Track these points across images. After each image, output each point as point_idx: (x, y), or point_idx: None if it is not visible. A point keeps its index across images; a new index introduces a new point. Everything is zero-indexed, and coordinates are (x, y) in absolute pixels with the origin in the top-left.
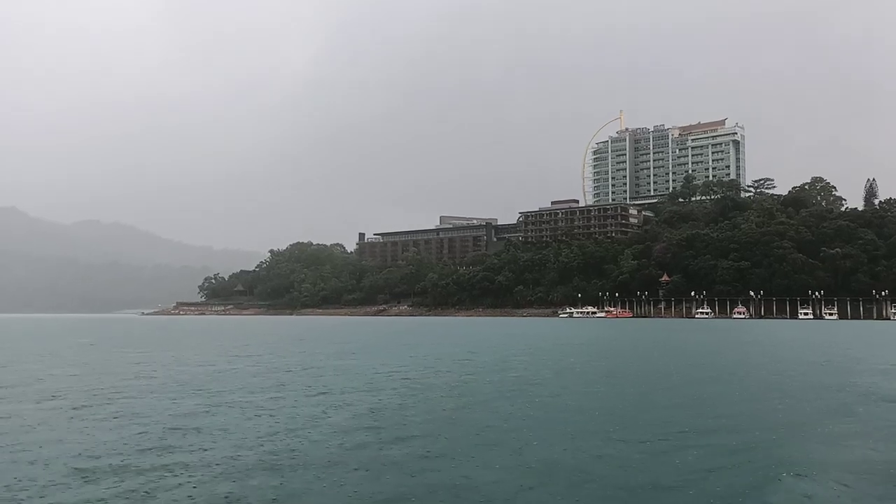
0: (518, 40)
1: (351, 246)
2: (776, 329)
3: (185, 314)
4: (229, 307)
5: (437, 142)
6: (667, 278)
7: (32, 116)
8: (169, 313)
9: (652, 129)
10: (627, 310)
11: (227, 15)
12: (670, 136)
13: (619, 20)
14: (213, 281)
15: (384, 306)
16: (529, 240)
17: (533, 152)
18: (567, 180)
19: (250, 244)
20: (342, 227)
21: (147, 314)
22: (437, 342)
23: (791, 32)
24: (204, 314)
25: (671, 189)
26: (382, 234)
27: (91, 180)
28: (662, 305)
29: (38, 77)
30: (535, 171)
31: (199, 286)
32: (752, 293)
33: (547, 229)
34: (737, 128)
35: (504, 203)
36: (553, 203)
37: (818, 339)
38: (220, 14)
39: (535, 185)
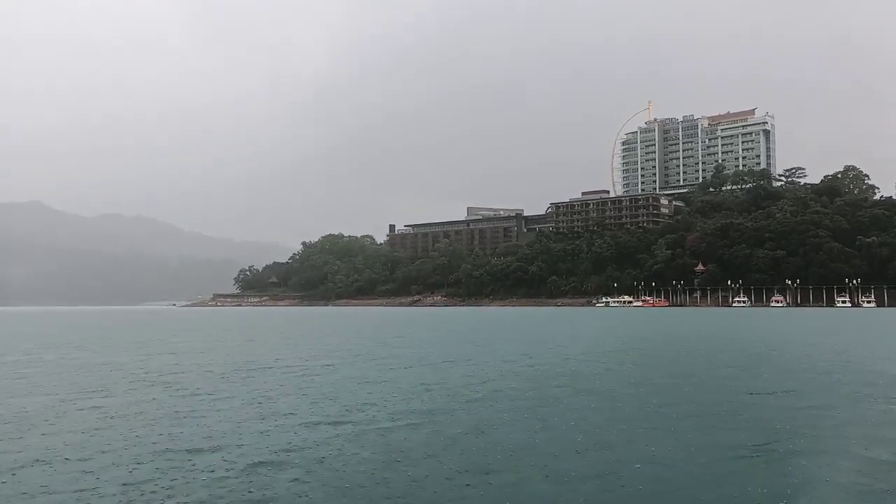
0: (544, 34)
1: (380, 238)
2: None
3: (223, 306)
4: (265, 298)
5: (461, 137)
6: (702, 267)
7: (64, 120)
8: (206, 304)
9: (681, 120)
10: (663, 299)
11: (249, 16)
12: (699, 126)
13: (643, 13)
14: (248, 273)
15: (418, 297)
16: (561, 230)
17: (558, 145)
18: (594, 172)
19: (270, 236)
20: (368, 220)
21: (180, 306)
22: (582, 335)
23: (818, 16)
24: (241, 305)
25: (701, 179)
26: (413, 226)
27: (113, 178)
28: (698, 294)
29: (73, 86)
30: (561, 163)
31: (234, 278)
32: (788, 282)
33: (578, 220)
34: (767, 117)
35: (531, 195)
36: (583, 194)
37: None
38: (239, 16)
39: (562, 178)
